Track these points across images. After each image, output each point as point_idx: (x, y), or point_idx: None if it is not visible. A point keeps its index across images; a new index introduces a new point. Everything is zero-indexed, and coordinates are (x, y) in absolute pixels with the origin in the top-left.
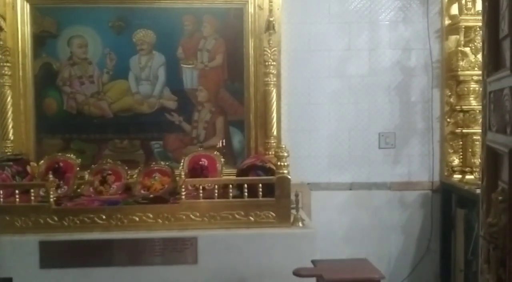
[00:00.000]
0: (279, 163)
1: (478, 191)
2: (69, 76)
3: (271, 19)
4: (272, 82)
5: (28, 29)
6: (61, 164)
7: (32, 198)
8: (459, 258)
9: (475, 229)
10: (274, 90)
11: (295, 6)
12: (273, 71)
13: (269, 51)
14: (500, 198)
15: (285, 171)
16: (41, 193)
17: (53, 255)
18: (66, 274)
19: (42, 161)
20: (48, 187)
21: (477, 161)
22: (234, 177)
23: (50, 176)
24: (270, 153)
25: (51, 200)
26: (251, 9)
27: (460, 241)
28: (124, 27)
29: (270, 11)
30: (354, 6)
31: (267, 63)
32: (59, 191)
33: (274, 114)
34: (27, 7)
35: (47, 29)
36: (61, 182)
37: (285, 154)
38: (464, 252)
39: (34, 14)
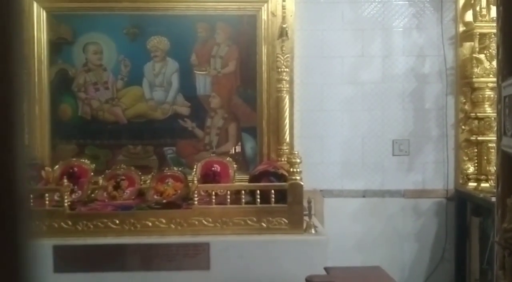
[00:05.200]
0: (291, 169)
1: (494, 199)
2: (84, 83)
3: (284, 25)
4: (284, 89)
5: (44, 36)
6: (75, 169)
7: (47, 202)
8: (474, 267)
9: (490, 237)
10: (287, 97)
11: (308, 13)
12: (286, 77)
13: (282, 57)
14: None
15: (298, 177)
16: (56, 197)
17: (66, 260)
18: (80, 278)
19: (56, 166)
20: (62, 192)
21: (492, 168)
22: (247, 183)
23: (65, 180)
24: (283, 159)
25: (66, 204)
26: (264, 16)
27: (475, 250)
28: (138, 34)
29: (283, 18)
30: (367, 13)
31: (280, 69)
32: (73, 196)
33: (287, 121)
34: (43, 14)
35: (63, 36)
36: (75, 187)
37: (298, 160)
38: (480, 260)
39: (50, 21)
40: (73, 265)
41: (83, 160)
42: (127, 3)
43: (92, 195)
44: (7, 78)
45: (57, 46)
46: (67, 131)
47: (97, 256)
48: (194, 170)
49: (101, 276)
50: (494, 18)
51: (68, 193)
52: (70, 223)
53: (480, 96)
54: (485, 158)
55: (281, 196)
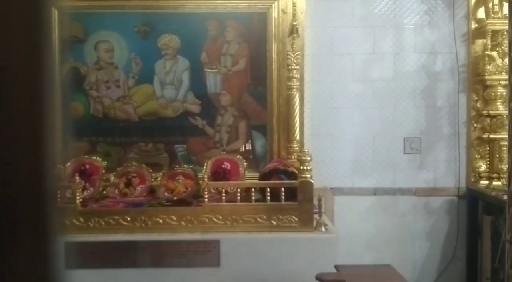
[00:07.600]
0: (301, 167)
1: (505, 197)
2: (95, 81)
3: (294, 23)
4: (295, 87)
5: (55, 35)
6: (87, 166)
7: (58, 199)
8: (485, 266)
9: (502, 236)
10: (297, 95)
11: (318, 10)
12: (296, 75)
13: (292, 55)
14: None
15: (308, 175)
16: (67, 194)
17: (78, 256)
18: (91, 274)
19: (68, 163)
20: (74, 189)
21: (504, 167)
22: (257, 181)
23: (77, 178)
24: (293, 157)
25: (77, 201)
26: (274, 14)
27: (487, 248)
28: (149, 32)
29: (294, 15)
30: (378, 10)
31: (290, 67)
32: (85, 193)
33: (297, 119)
34: (54, 12)
35: (75, 34)
36: (87, 184)
37: (308, 158)
38: (491, 259)
39: (61, 19)
40: (84, 261)
41: (95, 157)
42: (137, 1)
43: (104, 192)
44: (37, 75)
45: (69, 45)
46: (79, 129)
47: (108, 252)
48: (205, 167)
49: (112, 273)
50: (507, 15)
51: (80, 190)
52: (81, 219)
53: (492, 93)
54: (497, 156)
55: (291, 193)
